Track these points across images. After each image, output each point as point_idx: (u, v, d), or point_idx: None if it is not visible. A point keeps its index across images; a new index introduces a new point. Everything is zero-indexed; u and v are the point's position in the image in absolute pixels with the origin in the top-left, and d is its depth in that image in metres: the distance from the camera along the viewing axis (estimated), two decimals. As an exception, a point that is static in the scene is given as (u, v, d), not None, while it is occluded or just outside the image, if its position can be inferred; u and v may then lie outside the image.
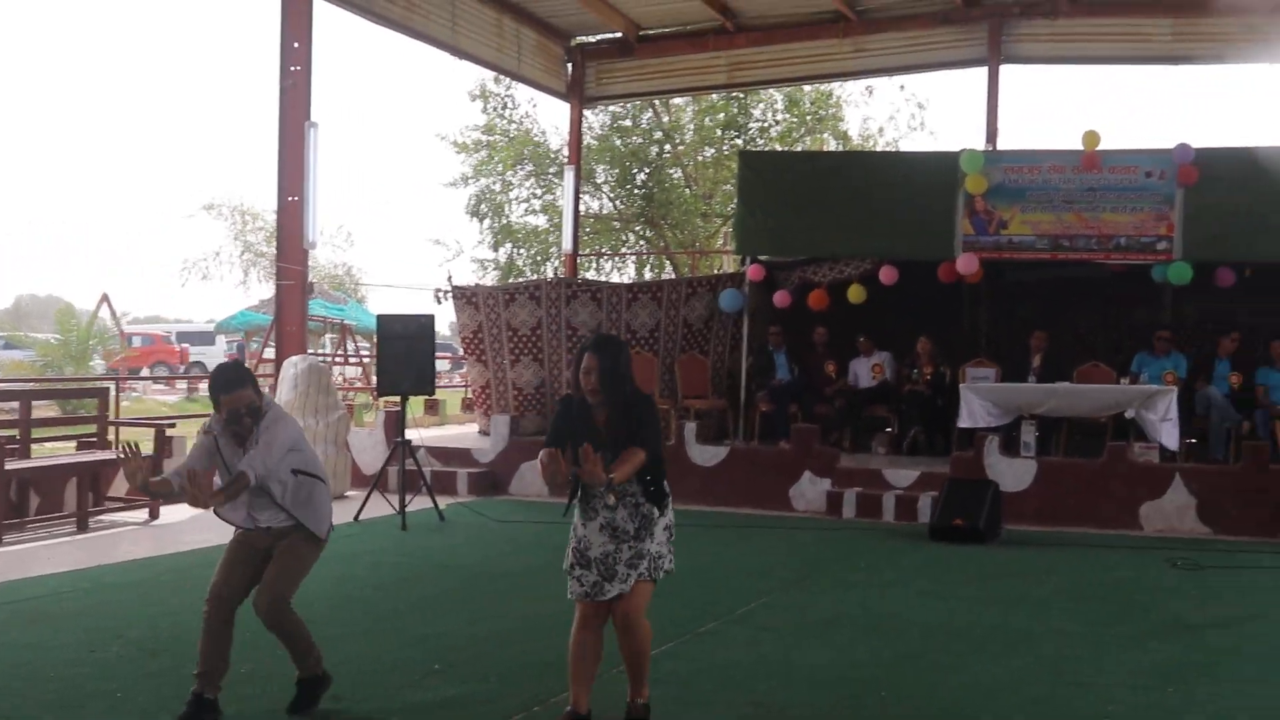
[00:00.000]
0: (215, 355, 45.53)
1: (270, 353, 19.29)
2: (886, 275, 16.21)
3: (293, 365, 15.41)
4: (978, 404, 14.67)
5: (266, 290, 44.90)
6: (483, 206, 32.78)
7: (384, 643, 7.67)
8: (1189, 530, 13.44)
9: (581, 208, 26.13)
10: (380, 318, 13.65)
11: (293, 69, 16.27)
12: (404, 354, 13.45)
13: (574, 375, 6.19)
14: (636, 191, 32.44)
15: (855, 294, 16.45)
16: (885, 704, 6.78)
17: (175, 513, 13.61)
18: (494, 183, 32.97)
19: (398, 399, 13.98)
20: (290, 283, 16.45)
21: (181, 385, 37.15)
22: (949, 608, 9.48)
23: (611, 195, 33.36)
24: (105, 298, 37.73)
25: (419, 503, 13.66)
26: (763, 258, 17.13)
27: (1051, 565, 11.39)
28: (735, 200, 19.14)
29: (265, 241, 44.66)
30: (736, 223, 17.66)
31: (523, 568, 11.06)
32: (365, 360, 26.79)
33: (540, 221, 33.33)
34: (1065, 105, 61.80)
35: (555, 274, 26.14)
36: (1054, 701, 6.88)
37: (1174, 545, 12.50)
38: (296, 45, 16.24)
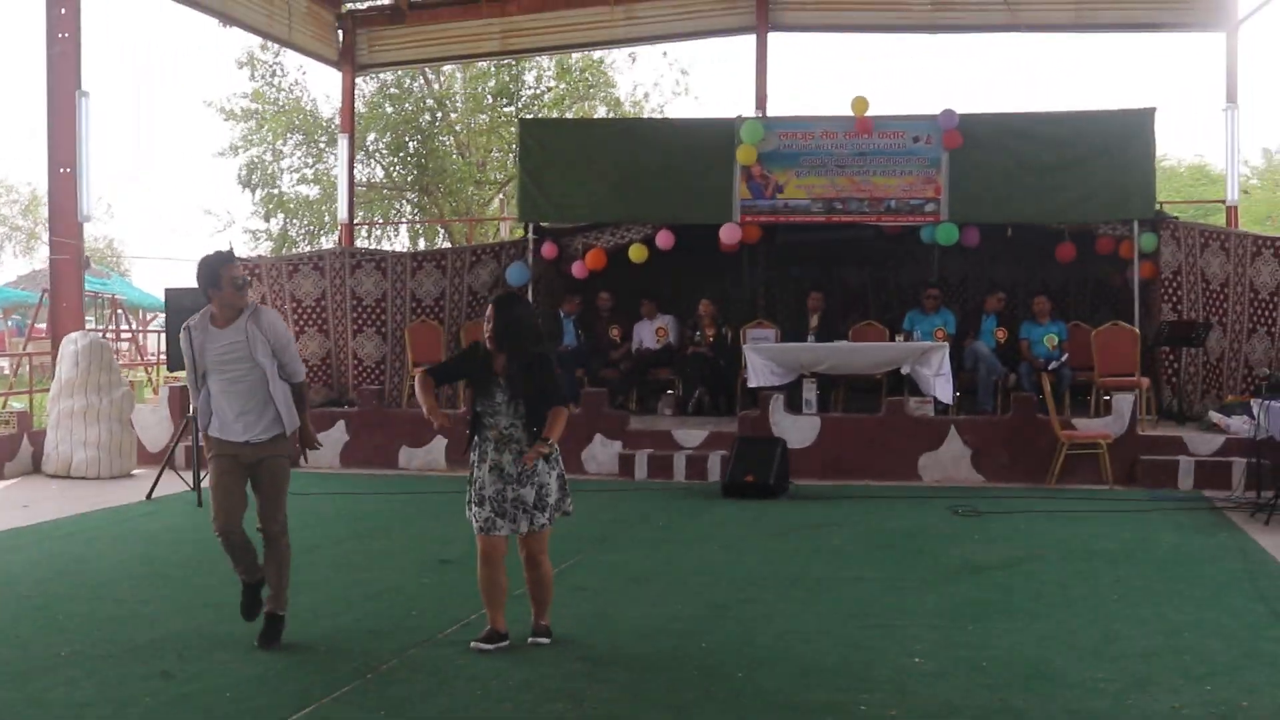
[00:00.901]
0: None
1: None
2: (663, 240, 16.59)
3: (72, 342, 15.05)
4: (761, 364, 15.09)
5: (23, 265, 43.32)
6: (254, 176, 32.22)
7: (204, 616, 7.65)
8: (964, 479, 14.14)
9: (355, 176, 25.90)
10: (168, 291, 13.40)
11: (61, 36, 15.82)
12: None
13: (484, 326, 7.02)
14: (409, 159, 32.22)
15: (637, 253, 16.77)
16: (707, 652, 7.06)
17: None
18: (265, 152, 32.43)
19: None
20: (65, 257, 16.02)
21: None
22: (751, 561, 9.85)
23: (384, 163, 33.06)
24: None
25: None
26: (545, 225, 17.31)
27: (842, 517, 11.87)
28: (516, 167, 19.22)
29: (21, 214, 43.04)
30: (519, 190, 17.76)
31: (328, 538, 10.98)
32: (136, 336, 26.17)
33: (312, 191, 32.92)
34: (833, 72, 63.02)
35: (338, 243, 25.86)
36: (863, 643, 7.24)
37: (952, 494, 13.16)
38: (64, 11, 15.80)
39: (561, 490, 7.13)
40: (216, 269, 7.12)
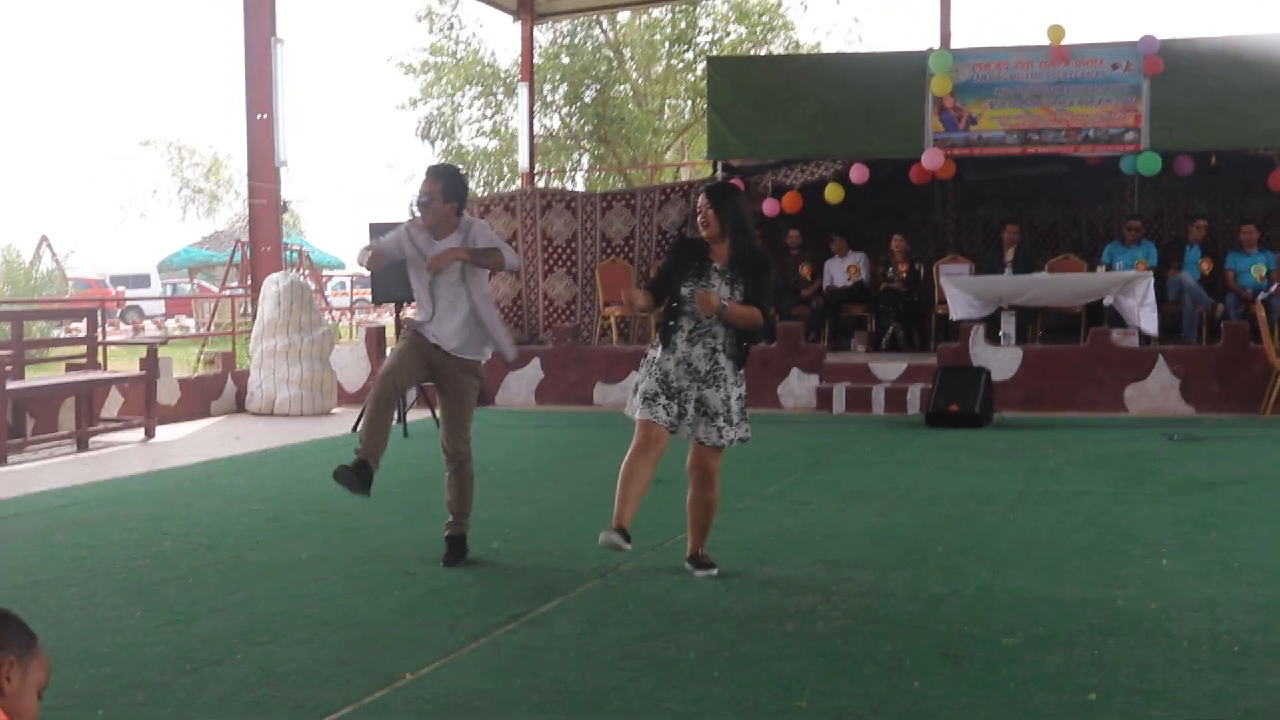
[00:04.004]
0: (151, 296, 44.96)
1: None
2: (857, 174, 16.33)
3: (274, 283, 15.34)
4: (960, 296, 14.88)
5: (206, 226, 44.44)
6: (433, 129, 32.62)
7: (433, 530, 7.76)
8: (1173, 409, 13.78)
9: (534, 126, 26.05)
10: (372, 225, 13.57)
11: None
12: (397, 263, 13.34)
13: (691, 221, 6.56)
14: (586, 109, 32.31)
15: (832, 193, 16.50)
16: (946, 555, 6.99)
17: (170, 431, 13.58)
18: (444, 105, 32.82)
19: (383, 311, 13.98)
20: (263, 201, 16.32)
21: (125, 328, 36.66)
22: (970, 479, 9.70)
23: (561, 113, 33.19)
24: (45, 240, 36.89)
25: (412, 414, 13.71)
26: (734, 163, 17.23)
27: (1053, 442, 11.64)
28: (701, 107, 19.12)
29: (203, 177, 44.12)
30: (708, 128, 17.69)
31: (533, 463, 11.19)
32: (321, 288, 26.70)
33: (491, 144, 33.23)
34: (1015, 8, 61.05)
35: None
36: (1105, 548, 7.10)
37: (1162, 423, 12.81)
38: (260, -40, 16.10)
39: (742, 413, 6.55)
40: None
